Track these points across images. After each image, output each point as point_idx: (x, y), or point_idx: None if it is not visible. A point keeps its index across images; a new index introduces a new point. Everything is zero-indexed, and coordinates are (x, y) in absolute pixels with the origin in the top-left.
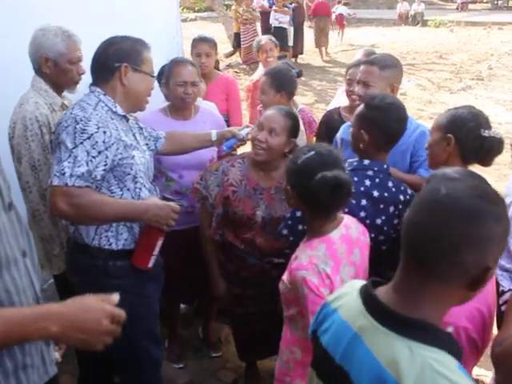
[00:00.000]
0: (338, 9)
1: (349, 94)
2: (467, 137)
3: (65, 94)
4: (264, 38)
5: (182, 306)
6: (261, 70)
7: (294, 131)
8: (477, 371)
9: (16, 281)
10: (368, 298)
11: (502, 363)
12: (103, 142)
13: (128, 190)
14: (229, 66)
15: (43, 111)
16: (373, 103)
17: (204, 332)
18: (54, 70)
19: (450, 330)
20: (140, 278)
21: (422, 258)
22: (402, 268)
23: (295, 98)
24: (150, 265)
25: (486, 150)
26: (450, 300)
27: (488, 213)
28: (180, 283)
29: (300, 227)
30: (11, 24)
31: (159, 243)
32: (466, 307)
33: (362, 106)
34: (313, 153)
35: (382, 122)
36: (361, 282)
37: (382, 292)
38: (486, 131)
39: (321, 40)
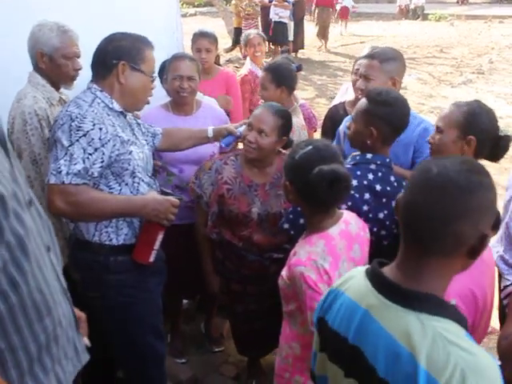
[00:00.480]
0: (344, 1)
1: (355, 83)
2: (486, 137)
3: (62, 89)
4: (252, 33)
5: (184, 301)
6: (248, 65)
7: (285, 129)
8: None
9: (46, 278)
10: (375, 277)
11: (508, 356)
12: (99, 138)
13: (126, 184)
14: (229, 61)
15: (42, 105)
16: (380, 98)
17: (206, 327)
18: (49, 64)
19: (453, 302)
20: (142, 273)
21: (421, 235)
22: (403, 246)
23: (295, 92)
24: (151, 259)
25: (501, 148)
26: (452, 270)
27: (478, 184)
28: (181, 278)
29: (301, 221)
30: (11, 24)
31: (159, 238)
32: (460, 288)
33: (364, 101)
34: (310, 147)
35: (391, 116)
36: (365, 266)
37: (387, 271)
38: (503, 131)
39: (322, 31)
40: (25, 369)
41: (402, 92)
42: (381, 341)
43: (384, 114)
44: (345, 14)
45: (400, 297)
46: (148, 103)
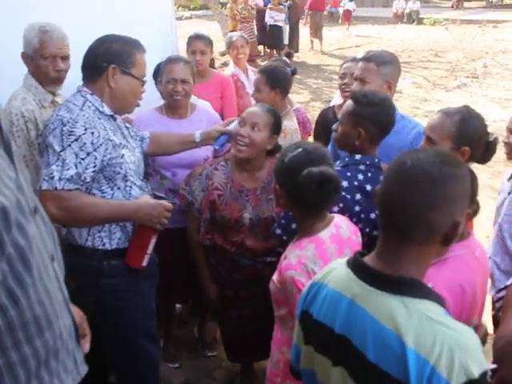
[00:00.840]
0: (346, 5)
1: (342, 88)
2: (478, 145)
3: (60, 92)
4: (235, 35)
5: (178, 305)
6: (231, 68)
7: (276, 127)
8: None
9: (48, 289)
10: (357, 266)
11: (506, 355)
12: (91, 143)
13: (118, 188)
14: (224, 64)
15: (30, 107)
16: (366, 100)
17: (199, 331)
18: (31, 65)
19: (430, 285)
20: (135, 277)
21: (397, 224)
22: (382, 236)
23: (291, 96)
24: (145, 263)
25: (491, 152)
26: (428, 257)
27: (450, 175)
28: (174, 282)
29: (293, 226)
30: (11, 24)
31: (153, 242)
32: (449, 281)
33: (351, 103)
34: (300, 150)
35: (378, 116)
36: (345, 258)
37: (368, 260)
38: (491, 134)
39: (316, 34)
40: (22, 383)
41: (396, 96)
42: (368, 327)
43: (371, 115)
44: (348, 16)
45: (383, 283)
46: (138, 106)
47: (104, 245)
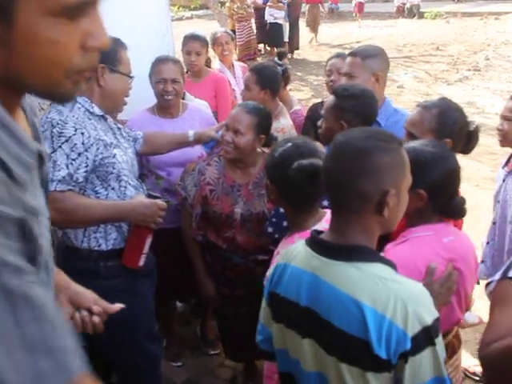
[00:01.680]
0: None
1: (329, 85)
2: (460, 136)
3: None
4: (219, 31)
5: (179, 304)
6: (217, 65)
7: (262, 127)
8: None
9: None
10: (314, 243)
11: (487, 367)
12: (82, 143)
13: (113, 189)
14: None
15: None
16: (347, 93)
17: (202, 330)
18: None
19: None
20: (133, 277)
21: (336, 196)
22: (331, 210)
23: (291, 94)
24: (141, 263)
25: (473, 141)
26: (372, 227)
27: (374, 148)
28: (174, 281)
29: (284, 223)
30: None
31: (148, 241)
32: (404, 259)
33: (332, 98)
34: (289, 144)
35: (359, 108)
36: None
37: (324, 235)
38: (471, 123)
39: (313, 26)
40: None
41: (398, 90)
42: (329, 296)
43: (351, 107)
44: (360, 8)
45: (336, 253)
46: (125, 104)
47: (100, 246)
